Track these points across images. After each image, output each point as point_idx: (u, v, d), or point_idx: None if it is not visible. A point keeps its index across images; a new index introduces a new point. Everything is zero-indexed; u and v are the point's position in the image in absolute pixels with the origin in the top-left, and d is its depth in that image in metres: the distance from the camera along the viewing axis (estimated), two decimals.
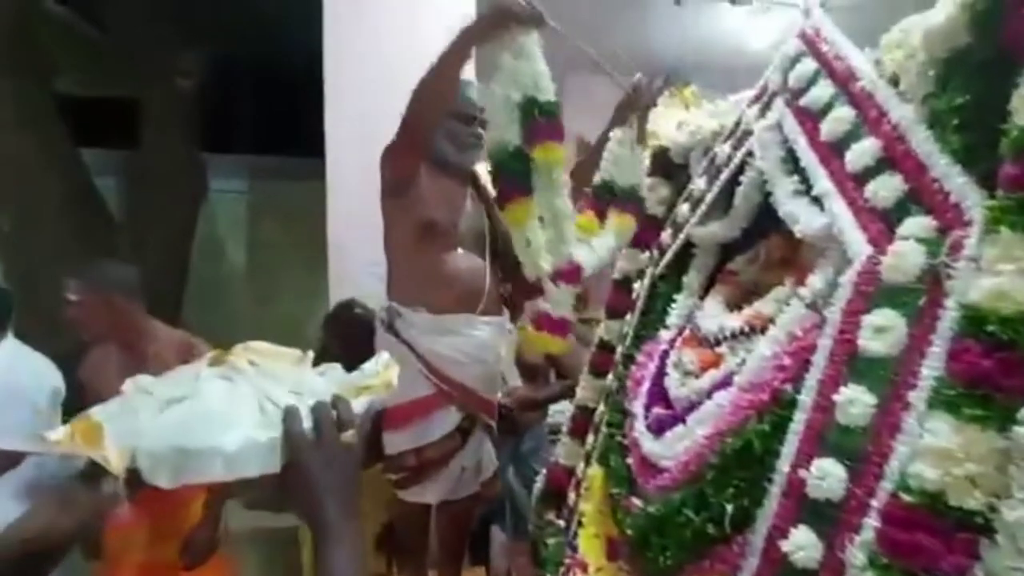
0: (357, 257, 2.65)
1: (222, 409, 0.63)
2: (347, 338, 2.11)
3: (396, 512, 1.80)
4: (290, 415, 0.62)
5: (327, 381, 0.71)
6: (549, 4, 3.74)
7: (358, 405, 0.67)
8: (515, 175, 1.18)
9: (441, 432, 1.63)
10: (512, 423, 2.17)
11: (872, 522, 0.75)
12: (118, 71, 3.70)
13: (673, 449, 1.22)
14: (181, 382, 0.68)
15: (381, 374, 0.72)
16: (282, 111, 4.04)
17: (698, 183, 1.56)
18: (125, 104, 3.69)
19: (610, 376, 1.73)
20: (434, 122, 1.65)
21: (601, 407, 1.71)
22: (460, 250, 1.70)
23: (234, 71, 4.45)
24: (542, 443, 2.53)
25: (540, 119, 1.13)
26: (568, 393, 2.55)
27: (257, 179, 4.07)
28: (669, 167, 1.76)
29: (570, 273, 1.27)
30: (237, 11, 3.73)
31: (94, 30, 3.58)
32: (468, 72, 2.78)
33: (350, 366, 2.23)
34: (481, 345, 1.67)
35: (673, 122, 4.78)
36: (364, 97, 2.67)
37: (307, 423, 0.62)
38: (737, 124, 1.47)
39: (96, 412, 0.64)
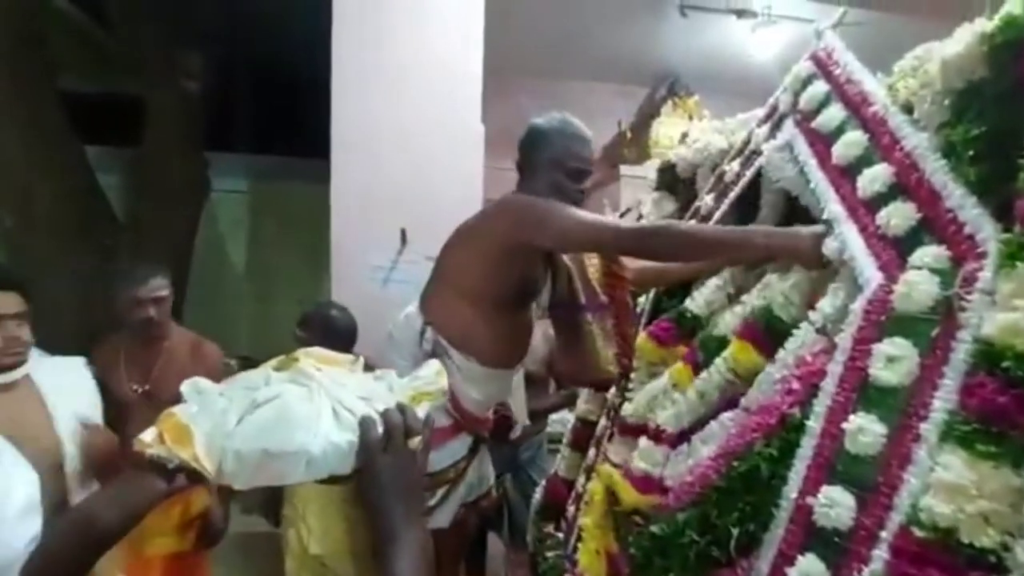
0: (360, 261, 2.65)
1: (305, 413, 0.64)
2: (323, 339, 2.10)
3: None
4: (367, 423, 0.63)
5: (386, 386, 0.72)
6: (559, 13, 3.76)
7: (419, 412, 0.69)
8: (704, 352, 1.19)
9: (458, 456, 1.62)
10: (510, 432, 2.16)
11: (881, 554, 0.74)
12: (122, 69, 3.69)
13: (676, 468, 1.22)
14: (251, 386, 0.69)
15: (437, 381, 0.73)
16: (286, 112, 4.03)
17: (706, 200, 1.56)
18: (129, 102, 3.67)
19: (612, 390, 1.72)
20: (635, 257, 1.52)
21: (603, 421, 1.70)
22: (530, 310, 1.62)
23: (238, 71, 4.45)
24: (540, 452, 2.53)
25: (758, 324, 1.13)
26: (568, 403, 2.54)
27: (258, 179, 4.06)
28: (675, 182, 1.76)
29: (657, 433, 1.24)
30: (244, 11, 3.72)
31: (98, 27, 3.57)
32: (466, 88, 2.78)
33: None
34: (506, 389, 1.69)
35: (676, 131, 4.77)
36: (371, 100, 2.66)
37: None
38: (746, 143, 1.47)
39: (179, 414, 0.65)
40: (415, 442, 0.66)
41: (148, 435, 0.63)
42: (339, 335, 2.12)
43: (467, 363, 1.51)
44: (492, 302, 1.49)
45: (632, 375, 1.47)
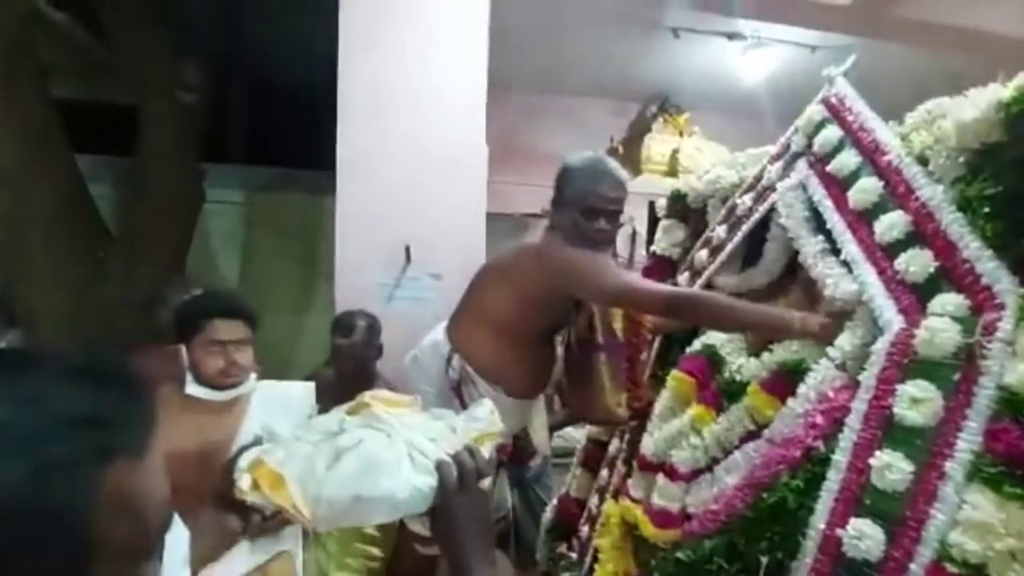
0: (364, 277, 2.66)
1: (389, 459, 0.67)
2: (367, 341, 2.20)
3: (404, 551, 1.80)
4: (445, 468, 0.67)
5: (448, 427, 0.75)
6: (557, 31, 3.82)
7: (484, 452, 0.72)
8: (727, 398, 1.25)
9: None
10: (517, 450, 2.19)
11: None
12: (116, 77, 3.65)
13: (699, 496, 1.27)
14: (329, 431, 0.71)
15: (495, 422, 0.77)
16: (284, 123, 4.02)
17: (718, 231, 1.62)
18: (122, 110, 3.63)
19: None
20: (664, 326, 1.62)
21: (616, 442, 1.75)
22: (554, 342, 1.65)
23: (237, 81, 4.42)
24: (546, 469, 2.56)
25: (787, 378, 1.18)
26: (573, 421, 2.58)
27: (254, 190, 4.04)
28: (686, 211, 1.82)
29: (672, 471, 1.28)
30: (246, 22, 3.71)
31: (90, 36, 3.53)
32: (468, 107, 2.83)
33: (355, 370, 2.20)
34: (528, 417, 1.71)
35: (667, 147, 4.83)
36: (376, 118, 2.68)
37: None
38: (758, 178, 1.54)
39: (269, 461, 0.67)
40: (485, 483, 0.70)
41: (244, 482, 0.66)
42: (378, 336, 2.24)
43: (494, 393, 1.54)
44: (523, 338, 1.52)
45: (654, 409, 1.51)
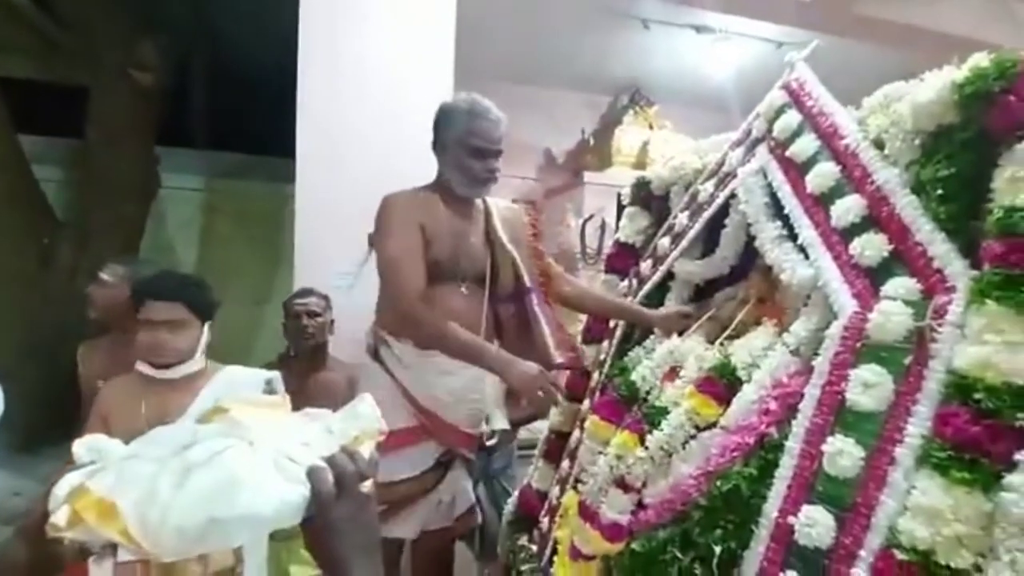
0: (325, 267, 2.59)
1: (248, 470, 0.59)
2: (311, 301, 2.25)
3: None
4: (318, 475, 0.60)
5: (324, 428, 0.67)
6: (527, 23, 3.77)
7: (363, 452, 0.65)
8: (650, 423, 1.24)
9: (421, 467, 1.56)
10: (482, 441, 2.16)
11: (861, 573, 0.79)
12: (66, 55, 3.48)
13: (655, 486, 1.25)
14: (177, 443, 0.62)
15: (374, 418, 0.68)
16: (246, 109, 3.88)
17: (680, 218, 1.60)
18: (72, 90, 3.46)
19: (586, 402, 1.75)
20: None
21: (577, 433, 1.72)
22: (462, 287, 1.58)
23: (198, 64, 4.26)
24: (512, 461, 2.53)
25: (719, 380, 1.19)
26: (542, 414, 2.56)
27: (215, 177, 3.90)
28: (649, 198, 1.80)
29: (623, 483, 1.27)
30: (211, 4, 3.57)
31: (41, 12, 3.36)
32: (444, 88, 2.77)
33: (310, 335, 2.17)
34: (465, 387, 1.58)
35: (638, 140, 4.84)
36: (337, 105, 2.61)
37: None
38: (720, 164, 1.52)
39: (95, 489, 0.57)
40: (367, 486, 0.63)
41: (60, 517, 0.55)
42: (330, 311, 2.32)
43: (402, 347, 1.52)
44: None
45: (584, 441, 1.49)
